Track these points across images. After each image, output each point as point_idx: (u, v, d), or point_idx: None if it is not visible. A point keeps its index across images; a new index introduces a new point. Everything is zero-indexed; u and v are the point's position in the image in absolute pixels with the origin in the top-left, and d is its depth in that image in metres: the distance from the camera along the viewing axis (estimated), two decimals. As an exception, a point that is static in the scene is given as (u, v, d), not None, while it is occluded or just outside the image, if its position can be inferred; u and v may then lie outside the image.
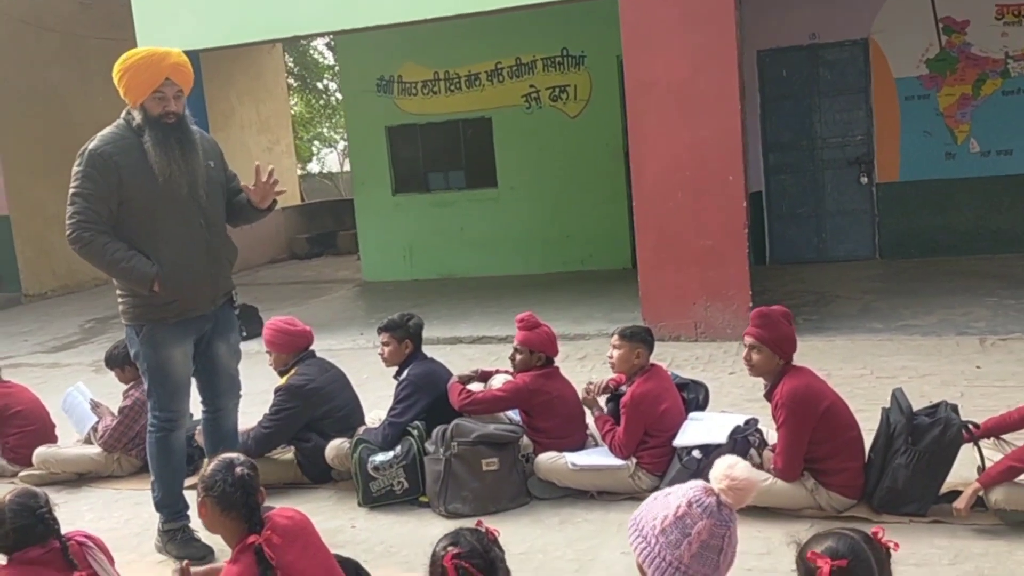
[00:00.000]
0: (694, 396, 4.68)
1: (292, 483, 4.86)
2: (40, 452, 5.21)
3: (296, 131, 25.89)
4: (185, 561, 2.85)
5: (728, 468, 2.05)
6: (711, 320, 7.27)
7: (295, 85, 23.76)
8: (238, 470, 2.69)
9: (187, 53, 8.13)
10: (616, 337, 4.48)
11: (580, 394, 4.62)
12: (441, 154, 11.59)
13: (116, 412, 5.21)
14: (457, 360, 7.26)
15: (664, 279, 7.40)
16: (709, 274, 7.29)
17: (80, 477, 5.24)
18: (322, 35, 10.76)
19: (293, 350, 4.88)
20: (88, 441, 5.32)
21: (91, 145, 3.90)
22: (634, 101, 7.34)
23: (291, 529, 2.77)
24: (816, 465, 3.93)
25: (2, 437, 5.43)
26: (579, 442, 4.60)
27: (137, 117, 3.93)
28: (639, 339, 4.42)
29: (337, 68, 18.39)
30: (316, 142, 30.48)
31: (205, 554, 4.05)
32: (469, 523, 2.47)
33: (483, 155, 11.36)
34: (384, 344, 4.81)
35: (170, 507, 4.14)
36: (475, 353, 7.58)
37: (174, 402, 4.10)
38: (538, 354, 4.61)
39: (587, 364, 6.83)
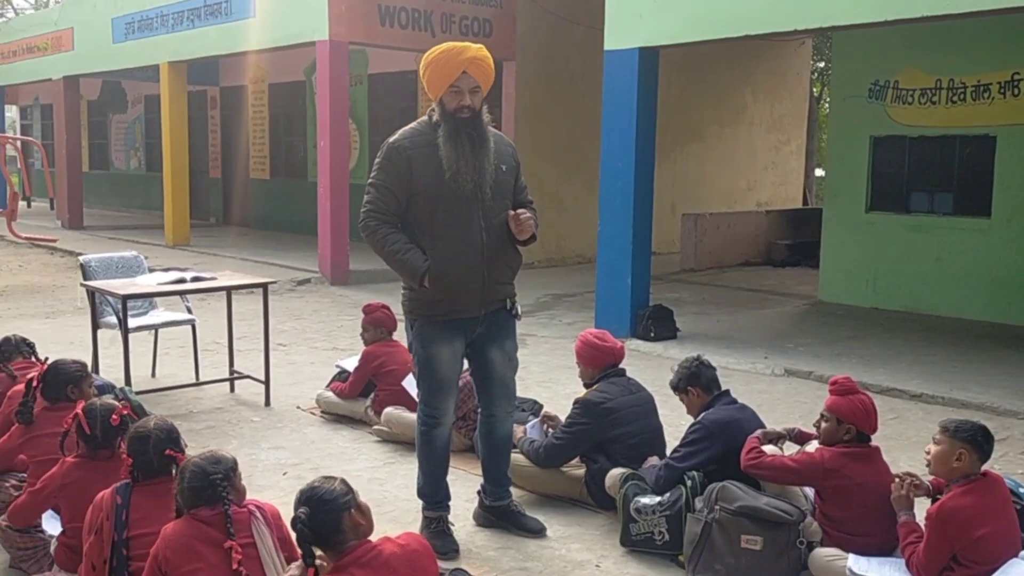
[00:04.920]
0: (1052, 529, 3.56)
1: (578, 500, 4.69)
2: (388, 411, 5.69)
3: (822, 132, 24.85)
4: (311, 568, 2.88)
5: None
6: None
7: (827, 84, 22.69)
8: (299, 511, 2.73)
9: (649, 49, 8.44)
10: (939, 430, 3.56)
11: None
12: (929, 172, 10.24)
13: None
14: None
15: None
16: None
17: (419, 442, 5.62)
18: (809, 32, 9.97)
19: (599, 365, 4.68)
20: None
21: (391, 139, 4.05)
22: None
23: (393, 558, 2.67)
24: None
25: (377, 391, 6.03)
26: (879, 545, 3.74)
27: (436, 113, 4.01)
28: (965, 438, 3.46)
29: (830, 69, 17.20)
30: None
31: (449, 550, 4.11)
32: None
33: (979, 178, 9.80)
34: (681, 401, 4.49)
35: (428, 497, 4.25)
36: (878, 406, 6.57)
37: (437, 399, 4.14)
38: (847, 426, 3.85)
39: (1000, 452, 5.55)
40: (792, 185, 18.10)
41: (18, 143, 18.76)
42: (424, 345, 4.11)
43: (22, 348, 4.97)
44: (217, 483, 3.01)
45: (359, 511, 2.88)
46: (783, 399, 6.76)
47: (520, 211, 4.06)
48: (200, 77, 18.18)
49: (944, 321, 9.57)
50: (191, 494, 3.01)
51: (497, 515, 4.35)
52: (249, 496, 3.20)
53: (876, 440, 5.74)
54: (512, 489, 4.46)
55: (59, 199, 18.90)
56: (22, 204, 21.84)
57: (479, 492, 4.45)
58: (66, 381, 4.18)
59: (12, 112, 31.10)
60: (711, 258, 13.68)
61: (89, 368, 6.24)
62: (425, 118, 4.09)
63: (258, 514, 3.08)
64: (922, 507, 3.76)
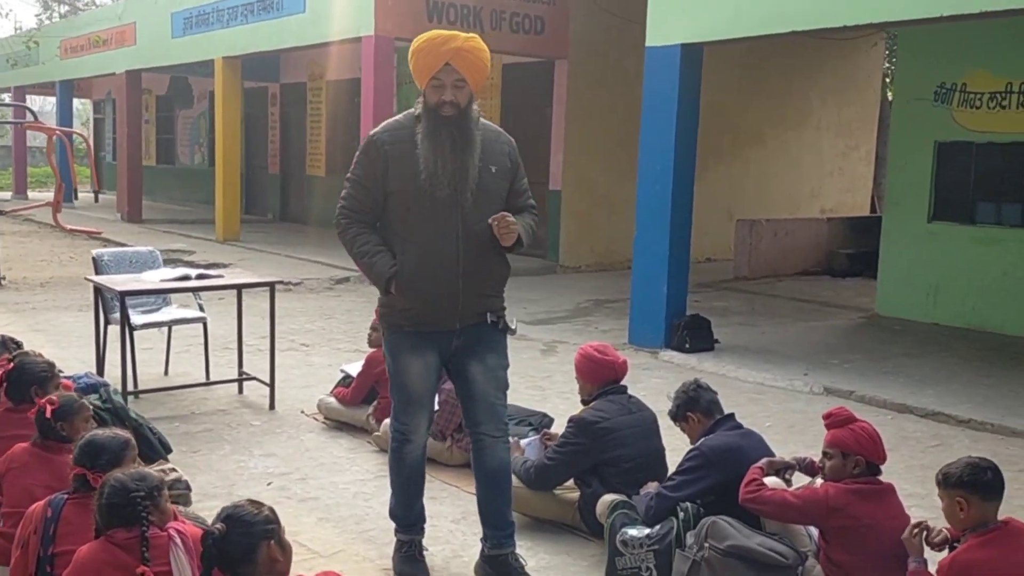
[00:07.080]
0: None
1: (570, 526, 4.36)
2: (386, 421, 5.40)
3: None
4: None
5: None
6: None
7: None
8: (214, 526, 2.49)
9: (692, 45, 8.02)
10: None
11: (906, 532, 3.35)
12: (997, 181, 9.60)
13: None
14: (890, 435, 5.93)
15: None
16: None
17: (418, 455, 5.33)
18: (861, 29, 9.16)
19: (598, 380, 4.34)
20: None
21: (372, 131, 3.76)
22: None
23: None
24: None
25: (379, 398, 5.77)
26: (888, 596, 3.34)
27: (419, 106, 3.69)
28: (955, 483, 3.08)
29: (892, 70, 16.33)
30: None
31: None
32: None
33: (1051, 188, 9.16)
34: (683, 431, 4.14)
35: (400, 518, 3.94)
36: (920, 431, 6.12)
37: (407, 415, 3.83)
38: (854, 458, 3.45)
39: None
40: (860, 192, 17.36)
41: (81, 136, 19.07)
42: (393, 356, 3.80)
43: (9, 346, 4.82)
44: (137, 502, 2.76)
45: (279, 546, 2.62)
46: (817, 420, 6.22)
47: (504, 213, 3.67)
48: (261, 73, 18.25)
49: (1008, 340, 8.94)
50: (108, 511, 2.78)
51: (495, 567, 3.84)
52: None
53: (914, 469, 5.32)
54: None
55: (119, 192, 19.17)
56: (88, 196, 22.23)
57: (481, 540, 3.93)
58: (30, 381, 3.99)
59: (87, 106, 31.93)
60: (766, 266, 13.14)
61: (94, 367, 6.22)
62: (411, 109, 3.73)
63: (178, 540, 2.81)
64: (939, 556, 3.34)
